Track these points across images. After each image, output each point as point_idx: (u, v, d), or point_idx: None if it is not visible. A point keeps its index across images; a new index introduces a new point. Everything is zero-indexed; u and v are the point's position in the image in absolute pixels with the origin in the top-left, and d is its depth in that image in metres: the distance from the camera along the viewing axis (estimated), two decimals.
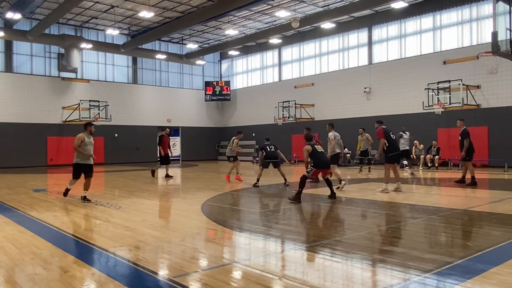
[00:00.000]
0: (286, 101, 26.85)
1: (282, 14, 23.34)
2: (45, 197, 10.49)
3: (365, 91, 23.81)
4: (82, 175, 9.28)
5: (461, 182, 12.04)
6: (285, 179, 12.60)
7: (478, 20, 19.92)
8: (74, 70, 26.36)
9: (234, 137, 14.42)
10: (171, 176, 15.92)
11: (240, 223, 7.08)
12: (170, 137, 16.80)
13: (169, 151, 16.05)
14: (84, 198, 9.23)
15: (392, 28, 23.21)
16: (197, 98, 32.42)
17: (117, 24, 25.80)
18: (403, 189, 10.72)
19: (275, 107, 27.27)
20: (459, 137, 11.98)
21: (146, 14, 21.95)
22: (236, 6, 19.51)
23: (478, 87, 19.30)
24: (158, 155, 16.69)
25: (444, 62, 20.63)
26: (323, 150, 9.20)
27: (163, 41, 30.26)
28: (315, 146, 9.11)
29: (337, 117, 24.71)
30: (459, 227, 6.43)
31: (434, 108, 19.07)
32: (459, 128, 12.19)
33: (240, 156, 14.68)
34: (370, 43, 24.12)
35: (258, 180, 12.35)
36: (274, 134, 28.50)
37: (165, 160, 16.00)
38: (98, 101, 25.72)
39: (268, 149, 12.69)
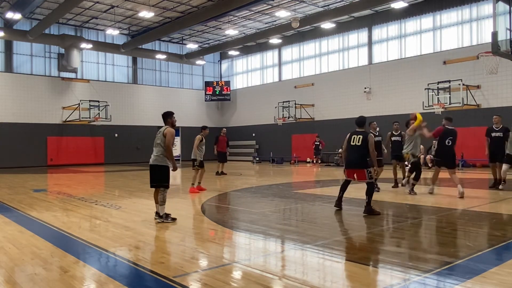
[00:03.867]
0: (286, 101, 26.85)
1: (282, 14, 23.34)
2: (45, 197, 10.49)
3: (365, 91, 23.81)
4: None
5: None
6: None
7: (478, 20, 19.92)
8: (74, 70, 26.36)
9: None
10: (225, 174, 16.49)
11: (240, 223, 7.08)
12: (225, 137, 17.36)
13: (227, 150, 17.05)
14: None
15: (392, 28, 23.21)
16: (197, 98, 32.42)
17: (117, 24, 25.79)
18: (403, 189, 10.73)
19: (275, 107, 27.26)
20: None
21: (146, 14, 21.95)
22: (236, 6, 19.51)
23: (478, 87, 19.30)
24: (215, 153, 17.17)
25: (444, 62, 20.62)
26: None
27: (163, 41, 30.25)
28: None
29: (337, 117, 24.73)
30: (459, 227, 6.43)
31: (434, 108, 19.07)
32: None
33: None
34: (370, 43, 24.12)
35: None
36: (274, 134, 28.57)
37: (222, 158, 16.82)
38: (98, 101, 25.72)
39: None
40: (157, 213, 6.86)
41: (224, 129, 18.37)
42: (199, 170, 11.33)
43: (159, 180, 6.77)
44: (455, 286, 3.70)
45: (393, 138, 11.42)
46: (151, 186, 6.89)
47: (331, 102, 25.55)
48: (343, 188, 7.79)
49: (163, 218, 6.75)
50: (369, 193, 7.34)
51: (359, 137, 7.46)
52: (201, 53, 30.07)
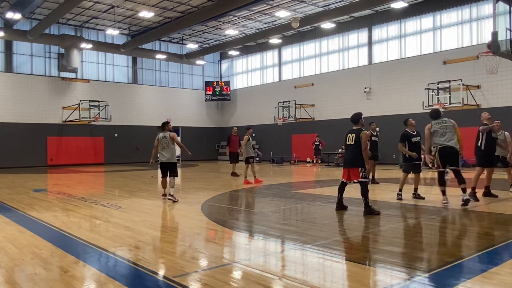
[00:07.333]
0: (286, 101, 26.85)
1: (282, 14, 23.34)
2: (45, 197, 10.49)
3: (365, 91, 23.81)
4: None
5: None
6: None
7: (478, 20, 19.92)
8: (74, 70, 26.35)
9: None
10: (238, 175, 15.64)
11: (240, 223, 7.08)
12: (237, 136, 16.67)
13: (239, 150, 16.11)
14: None
15: (392, 28, 23.21)
16: (197, 98, 32.41)
17: (117, 24, 25.78)
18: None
19: (275, 107, 27.26)
20: None
21: (146, 14, 21.95)
22: (236, 6, 19.51)
23: (478, 87, 19.31)
24: (227, 154, 16.71)
25: (444, 62, 20.62)
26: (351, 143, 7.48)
27: (163, 41, 30.25)
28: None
29: (337, 117, 24.72)
30: (459, 227, 6.43)
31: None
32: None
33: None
34: (370, 43, 24.12)
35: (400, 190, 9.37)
36: (274, 134, 28.55)
37: (234, 159, 16.26)
38: (98, 101, 25.72)
39: (412, 141, 9.17)
40: (171, 196, 9.11)
41: (235, 128, 17.54)
42: (248, 166, 13.68)
43: (173, 171, 9.34)
44: (455, 286, 3.70)
45: (373, 138, 12.03)
46: (165, 176, 9.44)
47: (331, 102, 25.55)
48: (340, 191, 7.77)
49: (174, 197, 9.10)
50: (364, 193, 7.29)
51: (353, 136, 7.44)
52: (201, 53, 30.07)
